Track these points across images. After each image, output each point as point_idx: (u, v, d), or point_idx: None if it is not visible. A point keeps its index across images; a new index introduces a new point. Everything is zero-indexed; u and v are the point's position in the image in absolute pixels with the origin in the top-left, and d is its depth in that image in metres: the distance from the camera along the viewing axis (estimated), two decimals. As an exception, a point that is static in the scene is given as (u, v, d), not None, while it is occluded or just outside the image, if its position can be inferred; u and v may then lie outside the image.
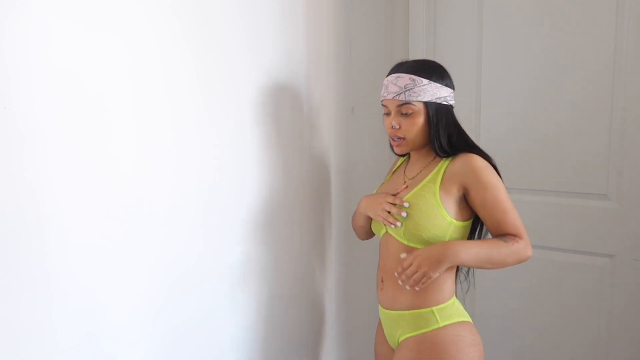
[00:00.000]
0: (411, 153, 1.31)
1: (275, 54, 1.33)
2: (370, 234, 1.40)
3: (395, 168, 1.40)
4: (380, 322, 1.34)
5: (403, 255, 1.18)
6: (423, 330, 1.19)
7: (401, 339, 1.23)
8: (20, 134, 0.79)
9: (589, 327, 1.64)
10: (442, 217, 1.16)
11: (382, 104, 1.23)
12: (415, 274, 1.14)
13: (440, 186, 1.18)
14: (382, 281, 1.26)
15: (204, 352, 1.18)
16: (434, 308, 1.19)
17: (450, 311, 1.20)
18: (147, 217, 1.02)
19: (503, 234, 1.17)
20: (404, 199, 1.20)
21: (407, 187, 1.24)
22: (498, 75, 1.70)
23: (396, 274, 1.18)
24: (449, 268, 1.19)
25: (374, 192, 1.35)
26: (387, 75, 1.23)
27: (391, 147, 1.28)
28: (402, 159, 1.39)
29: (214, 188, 1.18)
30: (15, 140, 0.78)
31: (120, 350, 0.98)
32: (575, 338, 1.67)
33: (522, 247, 1.16)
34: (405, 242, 1.20)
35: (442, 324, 1.19)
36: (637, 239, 1.54)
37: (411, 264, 1.14)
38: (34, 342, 0.83)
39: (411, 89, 1.16)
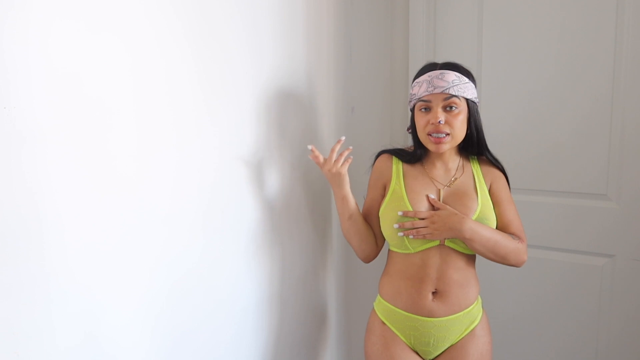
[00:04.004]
0: (428, 157, 1.29)
1: (275, 54, 1.33)
2: (371, 246, 1.33)
3: (401, 174, 1.29)
4: (391, 332, 1.28)
5: (432, 196, 1.23)
6: (475, 324, 1.27)
7: (459, 339, 1.26)
8: (20, 134, 0.78)
9: (589, 327, 1.64)
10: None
11: (422, 100, 1.20)
12: (424, 228, 1.19)
13: (486, 187, 1.27)
14: (436, 292, 1.24)
15: (205, 353, 1.18)
16: (478, 300, 1.29)
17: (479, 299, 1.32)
18: (147, 218, 1.01)
19: (508, 233, 1.24)
20: (476, 218, 1.21)
21: (433, 197, 1.25)
22: (498, 75, 1.70)
23: (400, 213, 1.21)
24: (472, 259, 1.27)
25: (389, 202, 1.27)
26: (422, 74, 1.23)
27: (416, 149, 1.28)
28: (389, 166, 1.32)
29: (214, 189, 1.18)
30: (15, 141, 0.78)
31: (121, 351, 0.98)
32: (575, 338, 1.67)
33: (523, 249, 1.23)
34: (467, 252, 1.24)
35: (481, 312, 1.30)
36: (637, 239, 1.55)
37: (425, 218, 1.19)
38: (34, 343, 0.83)
39: (457, 84, 1.18)
